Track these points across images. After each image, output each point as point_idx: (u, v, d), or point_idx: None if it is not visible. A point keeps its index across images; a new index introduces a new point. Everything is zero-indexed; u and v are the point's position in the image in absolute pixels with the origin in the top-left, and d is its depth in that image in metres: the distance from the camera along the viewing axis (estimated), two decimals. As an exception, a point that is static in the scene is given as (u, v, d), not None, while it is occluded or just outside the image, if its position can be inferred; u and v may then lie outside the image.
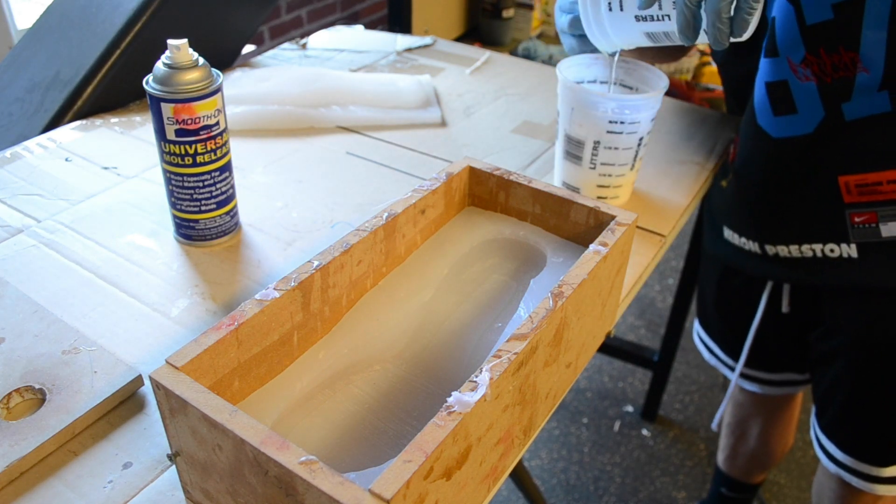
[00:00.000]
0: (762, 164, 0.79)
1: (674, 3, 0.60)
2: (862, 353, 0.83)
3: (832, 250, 0.77)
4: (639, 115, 0.71)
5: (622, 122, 0.71)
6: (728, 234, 0.87)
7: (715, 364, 1.09)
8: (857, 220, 0.74)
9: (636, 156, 0.75)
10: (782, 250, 0.81)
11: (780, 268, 0.82)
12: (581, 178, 0.77)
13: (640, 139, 0.74)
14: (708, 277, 1.06)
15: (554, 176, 0.82)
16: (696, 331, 1.13)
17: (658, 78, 0.74)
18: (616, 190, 0.77)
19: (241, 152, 0.85)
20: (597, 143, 0.73)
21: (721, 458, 1.29)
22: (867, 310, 0.80)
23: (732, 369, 1.05)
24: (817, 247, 0.78)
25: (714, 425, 1.11)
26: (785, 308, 0.92)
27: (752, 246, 0.83)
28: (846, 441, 0.89)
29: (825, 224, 0.76)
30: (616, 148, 0.73)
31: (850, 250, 0.76)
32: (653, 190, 0.83)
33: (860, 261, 0.76)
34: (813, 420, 0.94)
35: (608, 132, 0.72)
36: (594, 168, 0.75)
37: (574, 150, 0.75)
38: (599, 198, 0.77)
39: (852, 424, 0.88)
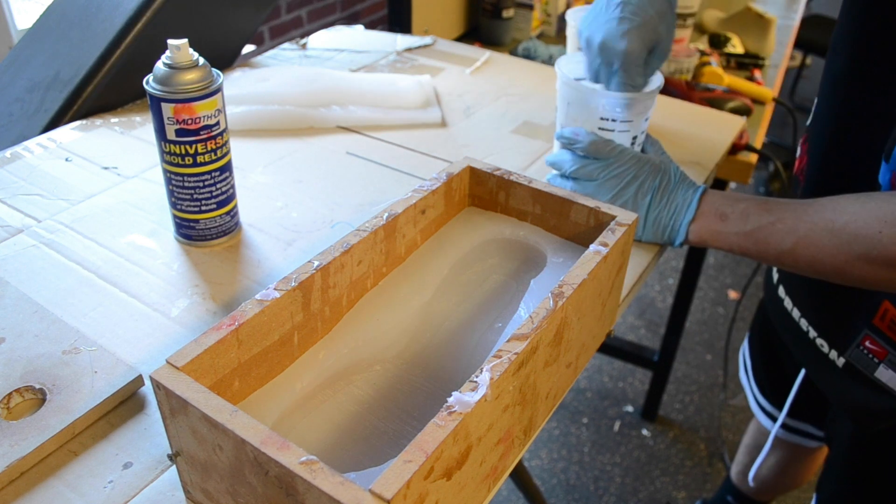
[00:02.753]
0: None
1: None
2: (854, 450, 0.81)
3: (822, 345, 0.75)
4: (631, 114, 0.71)
5: (614, 120, 0.71)
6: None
7: (752, 401, 1.07)
8: (866, 344, 0.69)
9: (636, 156, 0.75)
10: (792, 309, 0.79)
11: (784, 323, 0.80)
12: (581, 178, 0.77)
13: (635, 138, 0.73)
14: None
15: (554, 176, 0.82)
16: (742, 353, 1.11)
17: (653, 77, 0.73)
18: (616, 190, 0.77)
19: (241, 152, 0.85)
20: (596, 142, 0.73)
21: (734, 471, 1.27)
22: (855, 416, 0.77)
23: (774, 418, 1.02)
24: (813, 333, 0.76)
25: (750, 480, 1.09)
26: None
27: (781, 291, 0.82)
28: None
29: (838, 324, 0.72)
30: (615, 148, 0.73)
31: (837, 360, 0.73)
32: (653, 190, 0.82)
33: (841, 370, 0.73)
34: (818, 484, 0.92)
35: (600, 129, 0.72)
36: (594, 168, 0.75)
37: (574, 150, 0.75)
38: (599, 198, 0.77)
39: None
